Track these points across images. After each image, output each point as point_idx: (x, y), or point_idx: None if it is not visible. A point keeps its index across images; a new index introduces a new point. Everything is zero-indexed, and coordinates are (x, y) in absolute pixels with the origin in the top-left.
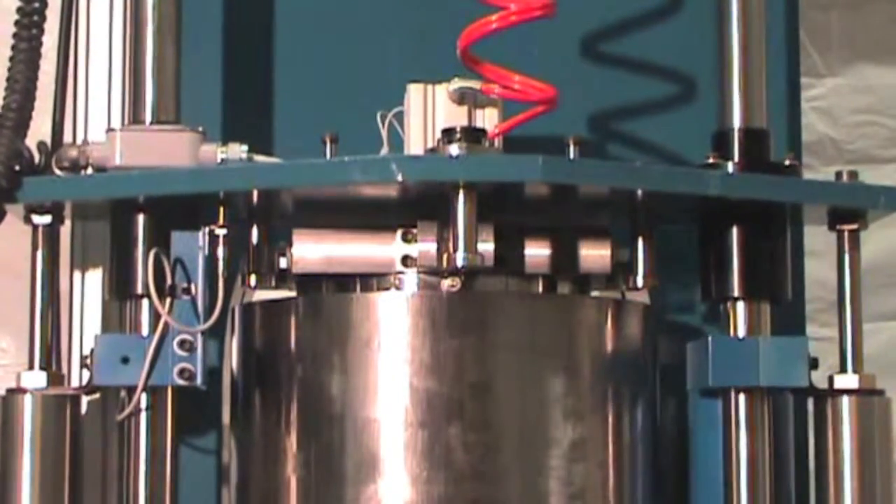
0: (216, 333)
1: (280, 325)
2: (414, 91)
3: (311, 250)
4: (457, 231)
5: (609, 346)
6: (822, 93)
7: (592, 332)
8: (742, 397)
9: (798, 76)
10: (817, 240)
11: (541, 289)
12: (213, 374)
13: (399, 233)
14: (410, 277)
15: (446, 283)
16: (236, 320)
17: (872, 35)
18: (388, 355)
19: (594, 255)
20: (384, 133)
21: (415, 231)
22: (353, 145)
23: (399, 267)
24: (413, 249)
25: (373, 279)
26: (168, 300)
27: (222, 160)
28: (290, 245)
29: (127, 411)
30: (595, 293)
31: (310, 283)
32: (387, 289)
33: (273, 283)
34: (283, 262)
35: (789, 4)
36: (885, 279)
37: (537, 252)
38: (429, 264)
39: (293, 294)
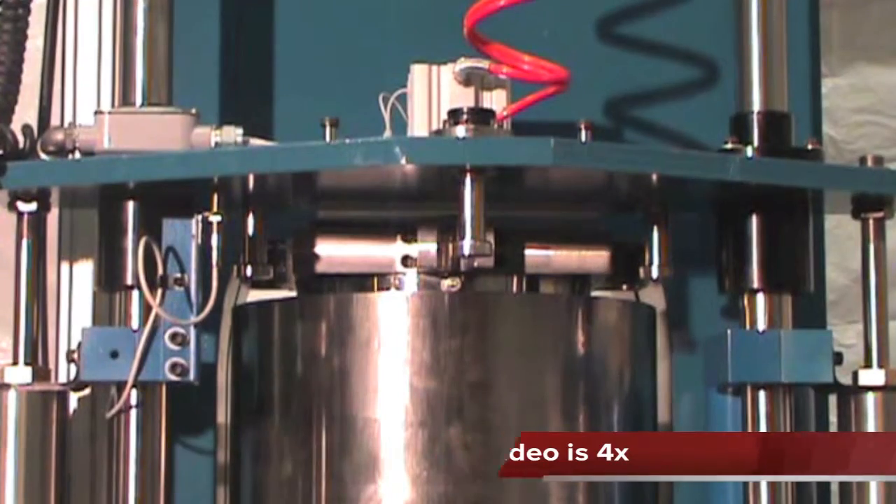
0: (211, 328)
1: (280, 324)
2: (418, 72)
3: (312, 250)
4: (463, 218)
5: (607, 346)
6: (822, 93)
7: (591, 332)
8: (762, 394)
9: (819, 61)
10: None
11: (540, 289)
12: (208, 370)
13: (399, 233)
14: (410, 277)
15: (446, 283)
16: (235, 319)
17: (872, 35)
18: (388, 355)
19: (593, 255)
20: (386, 116)
21: (415, 231)
22: (354, 130)
23: (399, 267)
24: (413, 249)
25: (373, 279)
26: (159, 291)
27: (216, 144)
28: (291, 245)
29: (116, 408)
30: (599, 293)
31: (310, 282)
32: (387, 289)
33: (270, 275)
34: (283, 263)
35: None
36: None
37: (537, 252)
38: (429, 264)
39: (293, 294)
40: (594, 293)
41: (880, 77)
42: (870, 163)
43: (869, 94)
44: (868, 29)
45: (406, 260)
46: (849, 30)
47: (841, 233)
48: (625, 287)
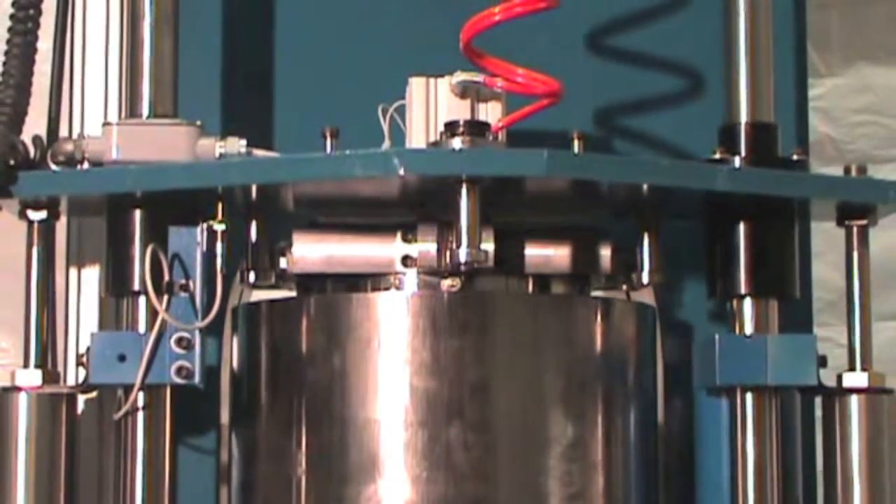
0: (214, 332)
1: (280, 325)
2: (416, 85)
3: (312, 250)
4: (459, 226)
5: (608, 346)
6: (822, 93)
7: (592, 332)
8: (749, 396)
9: (805, 70)
10: (816, 239)
11: (540, 289)
12: (212, 372)
13: (399, 233)
14: (410, 277)
15: (446, 283)
16: (236, 320)
17: (872, 35)
18: (388, 355)
19: (593, 255)
20: (385, 127)
21: (415, 231)
22: (354, 140)
23: (399, 267)
24: (413, 249)
25: (373, 279)
26: (165, 297)
27: (221, 154)
28: (291, 245)
29: (123, 410)
30: (598, 293)
31: (310, 283)
32: (387, 289)
33: (272, 280)
34: (283, 262)
35: None
36: (886, 280)
37: (537, 252)
38: (429, 264)
39: (293, 294)
40: (596, 293)
41: (880, 77)
42: (853, 172)
43: (869, 94)
44: (868, 29)
45: (406, 260)
46: (849, 30)
47: (839, 233)
48: (624, 287)
